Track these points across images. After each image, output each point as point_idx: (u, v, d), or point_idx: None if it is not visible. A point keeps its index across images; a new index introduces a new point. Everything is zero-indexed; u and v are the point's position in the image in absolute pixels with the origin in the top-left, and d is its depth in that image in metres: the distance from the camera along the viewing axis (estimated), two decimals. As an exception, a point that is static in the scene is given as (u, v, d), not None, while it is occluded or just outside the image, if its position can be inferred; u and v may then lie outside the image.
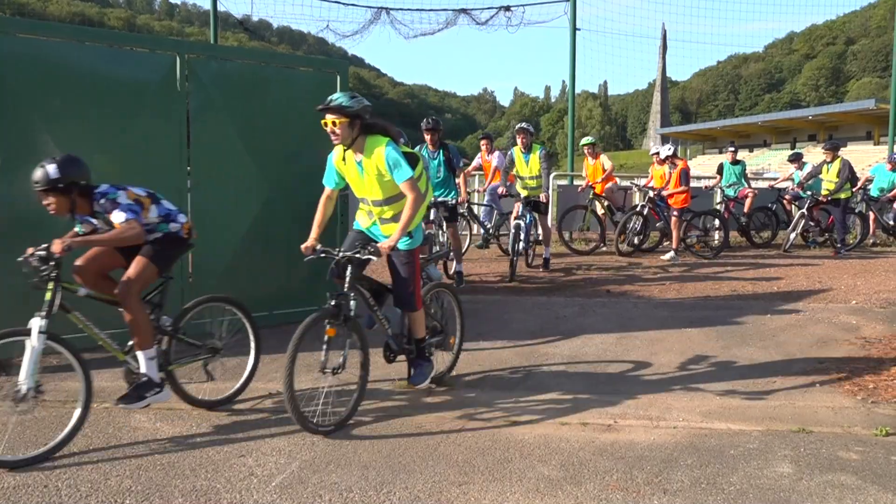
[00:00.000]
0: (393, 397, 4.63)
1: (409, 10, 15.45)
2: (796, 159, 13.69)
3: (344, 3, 14.84)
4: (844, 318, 6.98)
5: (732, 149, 13.60)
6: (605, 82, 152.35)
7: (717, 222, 11.96)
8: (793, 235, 12.24)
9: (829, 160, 12.18)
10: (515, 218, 9.23)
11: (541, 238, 9.81)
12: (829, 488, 3.36)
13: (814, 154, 59.59)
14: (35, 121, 5.22)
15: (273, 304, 6.45)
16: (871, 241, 13.39)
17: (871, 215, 13.31)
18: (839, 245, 11.99)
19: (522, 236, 9.08)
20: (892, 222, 12.96)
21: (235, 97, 6.16)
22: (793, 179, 13.56)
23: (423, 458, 3.66)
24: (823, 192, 12.10)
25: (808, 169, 13.03)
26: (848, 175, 12.01)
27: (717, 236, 12.13)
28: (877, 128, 56.81)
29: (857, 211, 13.35)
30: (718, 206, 13.11)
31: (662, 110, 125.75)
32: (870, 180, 13.52)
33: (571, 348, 5.86)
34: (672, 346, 5.91)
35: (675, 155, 11.58)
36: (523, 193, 9.40)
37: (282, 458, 3.64)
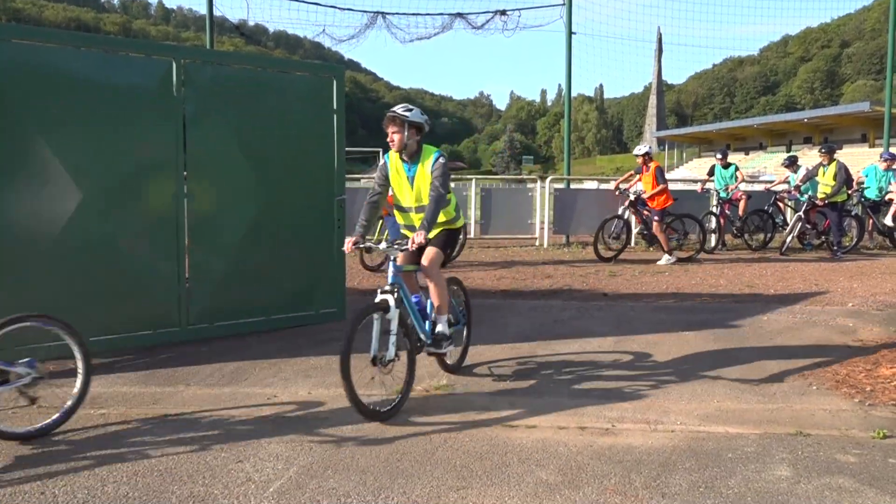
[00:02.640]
0: (391, 401, 4.61)
1: (405, 14, 15.42)
2: (791, 164, 13.72)
3: (340, 8, 14.85)
4: (841, 321, 6.99)
5: (720, 156, 13.52)
6: (601, 85, 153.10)
7: (696, 226, 11.95)
8: (790, 238, 12.25)
9: (825, 163, 12.30)
10: None
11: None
12: (827, 491, 3.36)
13: (809, 157, 59.71)
14: (31, 126, 5.21)
15: (270, 310, 6.45)
16: (872, 243, 13.44)
17: (868, 218, 13.34)
18: (835, 248, 12.00)
19: None
20: (890, 223, 12.97)
21: (232, 102, 6.16)
22: (789, 182, 13.56)
23: (420, 462, 3.65)
24: (820, 196, 12.10)
25: (802, 171, 13.05)
26: (844, 178, 12.05)
27: (695, 239, 12.13)
28: (872, 130, 56.95)
29: (853, 213, 13.38)
30: (714, 209, 13.13)
31: (658, 113, 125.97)
32: (861, 182, 13.50)
33: (569, 352, 5.86)
34: (669, 350, 5.91)
35: (647, 154, 11.49)
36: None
37: (279, 464, 3.63)
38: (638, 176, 11.77)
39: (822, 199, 12.03)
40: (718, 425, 4.21)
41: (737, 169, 13.34)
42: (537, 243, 13.66)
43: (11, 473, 3.48)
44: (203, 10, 13.17)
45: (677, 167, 70.71)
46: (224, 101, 6.13)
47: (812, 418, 4.32)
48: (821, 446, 3.89)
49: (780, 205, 13.64)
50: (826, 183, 12.15)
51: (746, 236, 13.05)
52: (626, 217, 11.51)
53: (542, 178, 14.15)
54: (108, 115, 5.53)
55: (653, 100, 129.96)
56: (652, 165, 11.27)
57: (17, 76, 5.15)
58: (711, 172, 13.57)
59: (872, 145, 53.88)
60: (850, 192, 12.69)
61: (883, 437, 4.00)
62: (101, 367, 5.34)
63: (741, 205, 13.02)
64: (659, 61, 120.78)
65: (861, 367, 5.39)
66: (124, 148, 5.62)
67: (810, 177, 12.48)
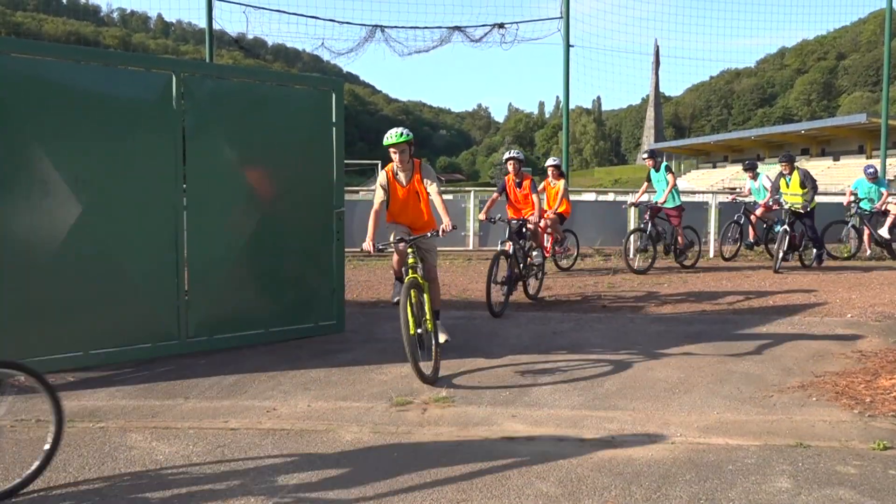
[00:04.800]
0: (390, 415, 4.61)
1: (403, 27, 15.48)
2: (751, 168, 13.38)
3: (339, 22, 14.91)
4: (840, 332, 6.99)
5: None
6: (599, 98, 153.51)
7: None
8: (781, 254, 11.43)
9: (786, 172, 11.86)
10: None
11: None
12: (828, 503, 3.35)
13: (807, 168, 59.93)
14: (30, 140, 5.22)
15: (269, 322, 6.45)
16: (868, 254, 13.46)
17: (866, 229, 13.37)
18: (815, 258, 11.77)
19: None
20: (886, 235, 12.99)
21: (231, 115, 6.18)
22: (751, 191, 13.27)
23: (421, 475, 3.64)
24: (793, 205, 11.67)
25: (763, 180, 12.90)
26: (813, 182, 11.75)
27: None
28: (869, 141, 57.22)
29: (850, 224, 13.41)
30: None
31: (656, 125, 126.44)
32: (855, 194, 13.49)
33: (568, 363, 5.86)
34: (668, 361, 5.91)
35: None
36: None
37: (279, 477, 3.62)
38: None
39: (802, 207, 11.55)
40: (718, 437, 4.20)
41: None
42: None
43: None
44: (202, 24, 13.23)
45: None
46: (223, 114, 6.15)
47: (812, 430, 4.32)
48: (821, 458, 3.89)
49: (752, 217, 12.89)
50: (793, 193, 11.72)
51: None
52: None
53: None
54: (107, 129, 5.54)
55: (650, 112, 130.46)
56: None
57: (17, 90, 5.17)
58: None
59: (869, 156, 54.10)
60: (846, 202, 12.65)
61: (883, 448, 4.00)
62: (100, 380, 5.33)
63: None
64: (656, 73, 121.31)
65: (860, 378, 5.38)
66: (124, 161, 5.63)
67: (776, 188, 12.06)
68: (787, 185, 11.83)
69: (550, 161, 11.16)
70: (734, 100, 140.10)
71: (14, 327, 5.20)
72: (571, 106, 15.99)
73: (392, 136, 5.81)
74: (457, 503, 3.34)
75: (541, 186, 10.56)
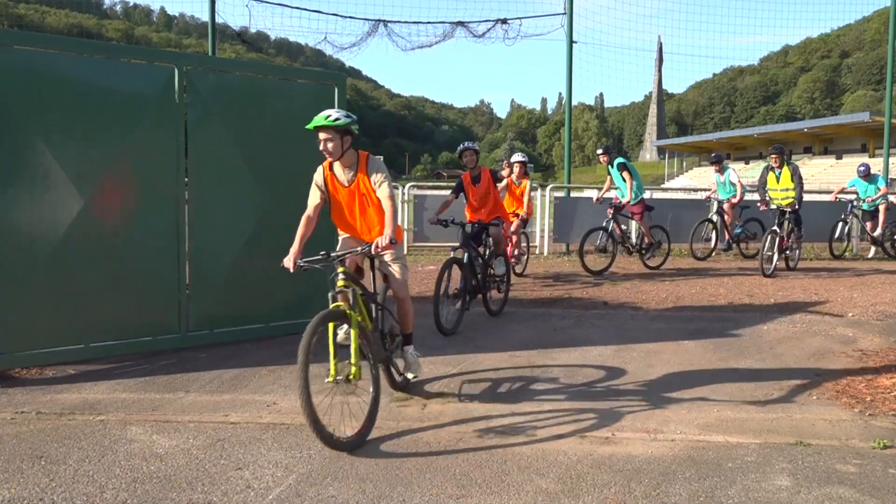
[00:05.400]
0: (390, 410, 4.61)
1: (406, 22, 15.46)
2: (717, 162, 12.62)
3: (342, 16, 14.91)
4: (841, 331, 6.99)
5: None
6: (602, 94, 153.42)
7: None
8: (775, 258, 10.61)
9: (775, 165, 10.85)
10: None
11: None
12: (828, 501, 3.35)
13: (809, 166, 59.65)
14: (32, 132, 5.22)
15: (270, 317, 6.45)
16: (871, 253, 13.45)
17: (869, 225, 13.34)
18: (796, 260, 11.17)
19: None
20: (878, 233, 12.96)
21: (233, 109, 6.18)
22: (715, 185, 12.59)
23: (420, 471, 3.65)
24: (785, 202, 10.73)
25: (731, 175, 12.25)
26: (800, 179, 10.82)
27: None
28: (872, 140, 57.11)
29: (840, 220, 13.38)
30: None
31: (658, 122, 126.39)
32: (855, 193, 13.39)
33: (569, 360, 5.85)
34: (669, 359, 5.91)
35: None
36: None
37: (279, 472, 3.63)
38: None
39: (792, 206, 10.59)
40: (718, 435, 4.20)
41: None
42: (537, 251, 13.66)
43: (10, 480, 3.47)
44: (205, 18, 13.23)
45: (677, 176, 70.81)
46: (226, 108, 6.15)
47: (812, 428, 4.32)
48: (821, 456, 3.89)
49: (727, 217, 12.20)
50: (784, 188, 10.75)
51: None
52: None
53: (543, 187, 14.14)
54: (109, 122, 5.54)
55: (653, 109, 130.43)
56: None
57: (19, 82, 5.16)
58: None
59: (872, 155, 54.00)
60: (833, 197, 12.30)
61: (883, 447, 4.00)
62: (101, 373, 5.34)
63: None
64: (659, 70, 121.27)
65: (861, 377, 5.38)
66: (126, 154, 5.63)
67: (763, 184, 11.02)
68: (778, 181, 10.84)
69: (517, 157, 10.40)
70: (737, 97, 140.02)
71: (15, 320, 5.20)
72: (574, 102, 15.97)
73: (319, 117, 4.42)
74: (456, 499, 3.34)
75: (502, 185, 9.38)
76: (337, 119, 4.38)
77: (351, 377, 4.02)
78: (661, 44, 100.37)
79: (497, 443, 4.05)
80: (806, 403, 4.80)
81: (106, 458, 3.77)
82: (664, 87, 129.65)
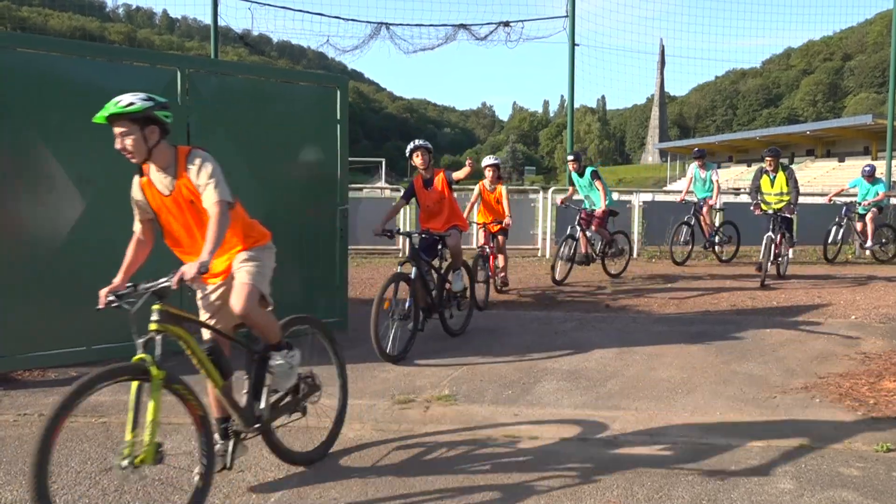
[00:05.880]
0: (393, 411, 4.61)
1: (408, 25, 15.58)
2: (700, 157, 12.19)
3: (344, 19, 14.97)
4: (844, 333, 6.97)
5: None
6: (604, 97, 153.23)
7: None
8: (769, 264, 10.15)
9: (770, 169, 10.34)
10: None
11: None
12: (831, 505, 3.34)
13: (811, 169, 59.55)
14: (35, 135, 5.23)
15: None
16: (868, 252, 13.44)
17: (871, 227, 13.29)
18: (785, 266, 10.72)
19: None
20: (869, 243, 12.90)
21: (236, 112, 6.18)
22: (693, 179, 12.21)
23: (422, 472, 3.64)
24: (778, 206, 10.17)
25: (711, 175, 11.93)
26: (796, 183, 10.32)
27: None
28: (874, 143, 57.03)
29: (834, 224, 13.32)
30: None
31: (661, 125, 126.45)
32: (855, 195, 13.32)
33: (571, 363, 5.85)
34: (672, 362, 5.90)
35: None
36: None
37: (280, 474, 3.62)
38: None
39: (789, 210, 10.08)
40: (721, 437, 4.19)
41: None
42: (539, 254, 13.66)
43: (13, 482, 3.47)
44: (207, 20, 13.27)
45: (679, 178, 70.78)
46: (228, 111, 6.15)
47: (815, 431, 4.31)
48: (824, 459, 3.88)
49: (703, 220, 11.84)
50: (780, 193, 10.26)
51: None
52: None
53: (545, 190, 14.13)
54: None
55: (655, 111, 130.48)
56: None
57: (22, 85, 5.17)
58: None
59: (875, 157, 53.90)
60: (829, 199, 12.17)
61: (886, 450, 3.99)
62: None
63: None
64: (661, 73, 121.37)
65: (864, 379, 5.37)
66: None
67: (756, 188, 10.52)
68: (772, 185, 10.34)
69: (488, 160, 9.08)
70: (739, 100, 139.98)
71: (17, 322, 5.20)
72: (576, 105, 16.00)
73: (108, 105, 3.39)
74: (459, 500, 3.34)
75: (475, 194, 9.03)
76: (131, 104, 3.28)
77: (137, 461, 2.86)
78: (663, 46, 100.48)
79: (499, 445, 4.04)
80: (809, 406, 4.79)
81: (108, 460, 3.76)
82: (666, 89, 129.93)
